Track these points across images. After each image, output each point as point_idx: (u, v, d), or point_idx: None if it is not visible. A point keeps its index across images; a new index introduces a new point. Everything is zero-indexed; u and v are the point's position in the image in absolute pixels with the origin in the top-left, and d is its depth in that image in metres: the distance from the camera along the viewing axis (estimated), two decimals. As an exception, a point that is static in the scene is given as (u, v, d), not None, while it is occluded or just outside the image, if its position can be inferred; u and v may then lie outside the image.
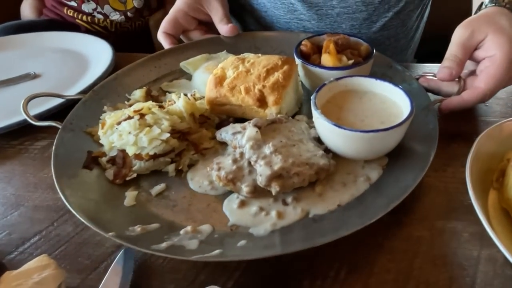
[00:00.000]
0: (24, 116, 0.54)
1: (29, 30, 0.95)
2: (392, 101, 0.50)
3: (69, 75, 0.74)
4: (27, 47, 0.87)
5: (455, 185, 0.46)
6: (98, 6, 1.08)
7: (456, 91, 0.54)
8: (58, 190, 0.42)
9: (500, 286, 0.36)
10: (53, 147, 0.48)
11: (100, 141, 0.50)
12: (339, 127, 0.44)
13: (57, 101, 0.62)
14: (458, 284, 0.37)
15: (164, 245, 0.37)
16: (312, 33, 0.69)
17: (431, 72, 0.58)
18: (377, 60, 0.63)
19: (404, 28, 0.86)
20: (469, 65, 0.56)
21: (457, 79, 0.55)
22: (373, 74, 0.62)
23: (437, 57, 0.62)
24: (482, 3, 0.59)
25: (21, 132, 0.58)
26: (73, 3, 1.08)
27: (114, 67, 0.73)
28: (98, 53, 0.78)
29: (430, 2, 0.94)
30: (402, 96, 0.48)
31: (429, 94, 0.56)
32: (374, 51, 0.59)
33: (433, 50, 0.76)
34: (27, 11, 1.23)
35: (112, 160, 0.48)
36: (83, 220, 0.38)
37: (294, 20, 0.82)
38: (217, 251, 0.36)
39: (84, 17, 1.10)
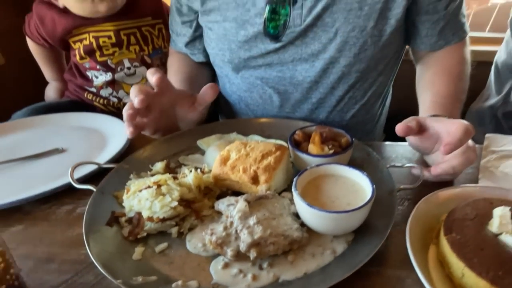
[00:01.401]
0: (69, 180, 0.66)
1: (55, 110, 1.08)
2: (360, 186, 0.58)
3: (91, 149, 0.85)
4: (54, 125, 0.99)
5: (402, 241, 0.52)
6: (114, 91, 1.23)
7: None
8: (85, 242, 0.52)
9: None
10: (87, 206, 0.59)
11: (123, 204, 0.60)
12: (311, 206, 0.52)
13: (85, 170, 0.72)
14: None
15: (158, 294, 0.45)
16: (308, 121, 0.83)
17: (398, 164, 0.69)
18: (358, 148, 0.73)
19: (369, 116, 1.01)
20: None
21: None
22: (354, 160, 0.72)
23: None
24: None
25: (50, 198, 0.69)
26: (93, 89, 1.24)
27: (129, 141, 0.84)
28: (114, 130, 0.89)
29: (390, 92, 1.09)
30: (367, 182, 0.57)
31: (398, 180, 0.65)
32: (353, 142, 0.69)
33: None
34: (51, 92, 1.41)
35: (129, 220, 0.58)
36: (99, 268, 0.47)
37: (274, 110, 0.97)
38: (197, 302, 0.44)
39: (101, 100, 1.25)
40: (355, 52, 0.85)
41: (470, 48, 1.16)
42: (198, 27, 0.98)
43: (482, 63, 1.18)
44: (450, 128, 0.60)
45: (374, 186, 0.55)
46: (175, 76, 1.01)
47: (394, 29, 0.84)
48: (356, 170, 0.59)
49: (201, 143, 0.82)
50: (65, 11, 1.13)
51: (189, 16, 0.98)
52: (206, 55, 1.03)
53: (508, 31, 1.03)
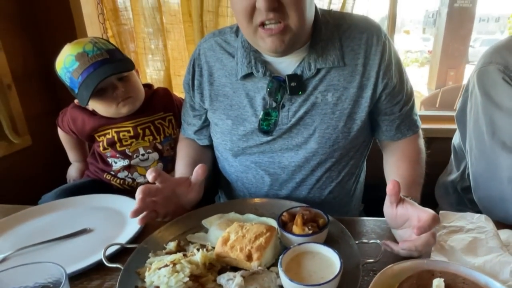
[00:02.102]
0: (101, 258, 0.80)
1: (79, 190, 1.25)
2: (332, 261, 0.73)
3: (113, 229, 0.98)
4: (80, 207, 1.12)
5: None
6: (129, 173, 1.42)
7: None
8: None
9: None
10: (117, 283, 0.73)
11: (145, 279, 0.75)
12: (292, 281, 0.67)
13: (111, 249, 0.85)
14: None
15: None
16: (293, 199, 1.05)
17: (365, 240, 0.84)
18: (334, 226, 0.89)
19: (344, 191, 1.19)
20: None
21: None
22: (331, 235, 0.87)
23: (381, 202, 0.90)
24: None
25: (80, 274, 0.81)
26: (112, 172, 1.43)
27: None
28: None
29: (364, 169, 1.29)
30: (337, 259, 0.72)
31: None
32: (329, 222, 0.86)
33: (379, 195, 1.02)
34: (73, 172, 1.60)
35: (150, 293, 0.73)
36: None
37: (265, 188, 1.16)
38: None
39: (118, 180, 1.42)
40: (330, 144, 1.07)
41: (438, 127, 1.37)
42: (206, 119, 1.22)
43: (449, 139, 1.38)
44: (421, 215, 0.75)
45: (342, 261, 0.70)
46: (183, 160, 1.22)
47: (360, 127, 1.07)
48: (329, 248, 0.75)
49: (205, 222, 0.98)
50: (93, 113, 1.37)
51: (200, 111, 1.21)
52: (210, 140, 1.26)
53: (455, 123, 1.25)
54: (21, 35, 1.83)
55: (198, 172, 0.98)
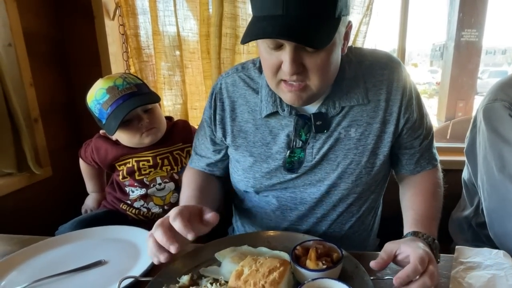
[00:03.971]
0: None
1: (95, 221, 1.25)
2: (346, 299, 0.71)
3: (128, 261, 0.97)
4: (96, 238, 1.12)
5: None
6: (145, 203, 1.43)
7: None
8: None
9: None
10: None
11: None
12: (306, 318, 0.65)
13: (126, 282, 0.85)
14: None
15: None
16: (309, 233, 1.02)
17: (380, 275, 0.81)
18: (348, 261, 0.87)
19: (364, 225, 1.16)
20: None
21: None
22: (345, 271, 0.85)
23: (398, 234, 0.90)
24: (407, 234, 0.87)
25: None
26: (128, 201, 1.45)
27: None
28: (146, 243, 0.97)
29: (381, 204, 1.26)
30: (351, 297, 0.70)
31: None
32: (343, 256, 0.84)
33: (394, 229, 1.04)
34: (90, 202, 1.63)
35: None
36: None
37: (285, 223, 1.14)
38: None
39: (134, 210, 1.43)
40: (352, 180, 1.05)
41: (449, 159, 1.34)
42: (226, 154, 1.18)
43: (461, 171, 1.36)
44: (410, 259, 0.76)
45: (357, 299, 0.68)
46: (188, 189, 1.15)
47: (382, 162, 1.06)
48: (343, 284, 0.73)
49: (218, 255, 0.97)
50: (116, 143, 1.42)
51: (221, 146, 1.17)
52: (223, 173, 1.24)
53: (465, 158, 1.23)
54: (51, 72, 1.93)
55: (209, 221, 0.91)
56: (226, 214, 1.39)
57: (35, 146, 1.79)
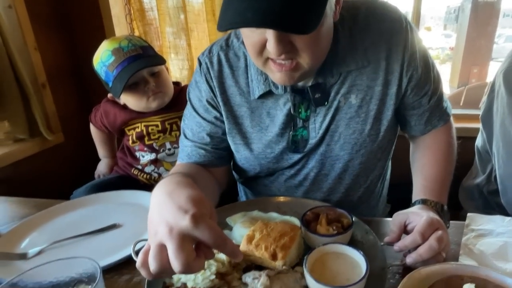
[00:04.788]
0: (130, 253, 0.81)
1: (108, 186, 1.27)
2: (357, 263, 0.71)
3: (141, 224, 0.91)
4: (110, 203, 1.12)
5: None
6: (156, 168, 1.43)
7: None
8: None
9: None
10: (146, 279, 0.74)
11: (172, 276, 0.75)
12: (317, 282, 0.65)
13: (140, 244, 0.81)
14: None
15: None
16: (317, 200, 0.99)
17: (395, 264, 0.79)
18: (359, 227, 0.87)
19: (373, 195, 1.13)
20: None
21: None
22: (355, 237, 0.85)
23: (408, 202, 0.89)
24: (415, 202, 0.85)
25: (111, 269, 0.81)
26: (139, 167, 1.45)
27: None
28: None
29: (389, 168, 1.21)
30: (363, 260, 0.70)
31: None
32: (354, 222, 0.83)
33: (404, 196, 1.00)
34: (102, 167, 1.64)
35: (177, 289, 0.73)
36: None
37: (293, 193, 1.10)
38: None
39: (145, 175, 1.44)
40: (356, 150, 0.99)
41: (462, 125, 1.29)
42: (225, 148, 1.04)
43: (474, 139, 1.32)
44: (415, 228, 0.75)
45: (368, 263, 0.68)
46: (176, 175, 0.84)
47: (387, 127, 0.98)
48: (354, 249, 0.73)
49: (229, 220, 0.98)
50: (125, 107, 1.40)
51: (219, 130, 1.02)
52: (222, 163, 1.06)
53: (480, 125, 1.19)
54: (54, 35, 1.89)
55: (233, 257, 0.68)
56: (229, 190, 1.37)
57: (45, 111, 1.79)
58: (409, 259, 0.73)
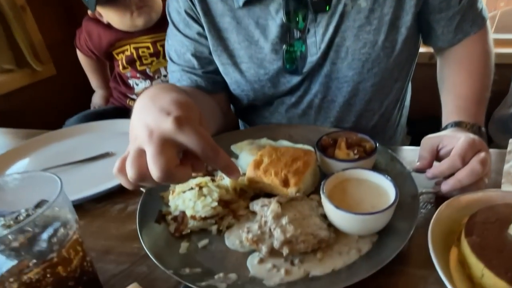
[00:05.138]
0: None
1: (102, 116, 1.14)
2: (383, 190, 0.60)
3: None
4: (103, 131, 1.04)
5: (425, 242, 0.53)
6: None
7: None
8: (140, 237, 0.57)
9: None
10: (138, 205, 0.64)
11: (169, 203, 0.66)
12: (338, 208, 0.55)
13: None
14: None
15: (204, 283, 0.50)
16: (330, 128, 0.84)
17: (428, 191, 0.68)
18: (382, 153, 0.75)
19: (389, 123, 0.98)
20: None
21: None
22: (378, 164, 0.74)
23: (430, 121, 0.77)
24: (447, 125, 0.71)
25: (104, 198, 0.75)
26: (134, 96, 1.33)
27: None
28: None
29: (409, 91, 1.04)
30: (391, 187, 0.59)
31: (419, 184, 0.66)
32: (377, 148, 0.71)
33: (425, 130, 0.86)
34: (97, 99, 1.52)
35: (175, 218, 0.63)
36: (153, 259, 0.53)
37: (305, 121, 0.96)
38: (237, 293, 0.48)
39: None
40: (368, 68, 0.82)
41: (495, 51, 1.11)
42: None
43: (509, 66, 1.15)
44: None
45: (398, 190, 0.57)
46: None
47: (405, 37, 0.80)
48: (380, 175, 0.62)
49: (234, 147, 0.86)
50: (109, 26, 1.23)
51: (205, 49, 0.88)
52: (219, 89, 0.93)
53: None
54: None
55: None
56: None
57: (30, 39, 1.62)
58: (445, 186, 0.61)
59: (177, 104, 0.47)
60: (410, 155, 0.82)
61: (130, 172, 0.45)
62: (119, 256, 0.61)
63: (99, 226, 0.69)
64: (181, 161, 0.46)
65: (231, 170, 0.51)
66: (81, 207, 0.74)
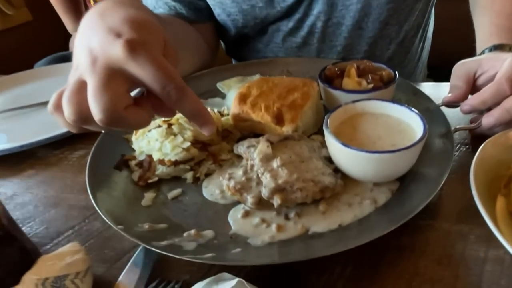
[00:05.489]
0: None
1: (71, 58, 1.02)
2: (406, 124, 0.46)
3: None
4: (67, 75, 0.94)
5: (462, 190, 0.41)
6: None
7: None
8: (87, 186, 0.44)
9: (507, 285, 0.34)
10: (93, 148, 0.51)
11: (132, 146, 0.52)
12: (347, 146, 0.41)
13: None
14: (463, 282, 0.34)
15: (164, 243, 0.37)
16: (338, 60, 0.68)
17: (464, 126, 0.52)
18: (401, 87, 0.59)
19: (409, 55, 0.81)
20: None
21: None
22: (397, 100, 0.59)
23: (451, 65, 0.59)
24: (484, 50, 0.55)
25: (63, 143, 0.62)
26: None
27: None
28: None
29: (432, 20, 0.86)
30: (417, 120, 0.44)
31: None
32: (397, 77, 0.56)
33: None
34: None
35: (140, 164, 0.50)
36: (99, 212, 0.40)
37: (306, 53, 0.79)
38: (209, 255, 0.35)
39: None
40: None
41: None
42: None
43: None
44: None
45: (426, 124, 0.43)
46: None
47: None
48: (402, 106, 0.47)
49: (221, 85, 0.71)
50: None
51: None
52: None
53: None
54: None
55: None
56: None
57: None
58: (488, 119, 0.47)
59: (131, 23, 0.34)
60: (434, 92, 0.66)
61: (67, 110, 0.33)
62: (70, 209, 0.49)
63: (52, 175, 0.57)
64: (138, 101, 0.35)
65: (203, 119, 0.36)
66: (34, 154, 0.61)
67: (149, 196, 0.46)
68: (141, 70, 0.32)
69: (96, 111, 0.31)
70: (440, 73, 0.83)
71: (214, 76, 0.72)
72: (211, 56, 0.82)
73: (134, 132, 0.52)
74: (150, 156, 0.49)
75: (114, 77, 0.32)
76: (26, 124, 0.73)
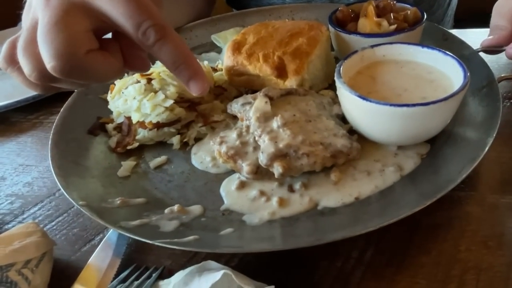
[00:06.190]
0: None
1: None
2: (440, 73, 0.36)
3: None
4: None
5: (509, 154, 0.34)
6: None
7: None
8: (49, 153, 0.36)
9: None
10: (61, 111, 0.42)
11: (109, 107, 0.43)
12: (365, 99, 0.32)
13: None
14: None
15: (136, 222, 0.29)
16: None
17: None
18: (427, 31, 0.48)
19: (438, 1, 0.70)
20: None
21: None
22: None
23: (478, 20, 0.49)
24: None
25: (38, 107, 0.55)
26: None
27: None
28: None
29: None
30: (454, 67, 0.35)
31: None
32: (425, 17, 0.45)
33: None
34: None
35: (119, 128, 0.42)
36: (57, 181, 0.33)
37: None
38: (191, 238, 0.28)
39: None
40: None
41: None
42: None
43: None
44: None
45: (467, 70, 0.33)
46: None
47: None
48: (434, 50, 0.37)
49: (216, 38, 0.61)
50: None
51: None
52: None
53: None
54: None
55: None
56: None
57: None
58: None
59: None
60: (468, 39, 0.54)
61: (25, 65, 0.26)
62: (40, 182, 0.41)
63: (23, 142, 0.49)
64: (105, 46, 0.27)
65: (190, 71, 0.28)
66: (7, 119, 0.53)
67: (127, 165, 0.38)
68: (110, 6, 0.24)
69: (47, 56, 0.24)
70: (466, 28, 0.72)
71: (209, 27, 0.62)
72: (207, 5, 0.71)
73: (110, 89, 0.43)
74: (129, 118, 0.41)
75: (71, 13, 0.24)
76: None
